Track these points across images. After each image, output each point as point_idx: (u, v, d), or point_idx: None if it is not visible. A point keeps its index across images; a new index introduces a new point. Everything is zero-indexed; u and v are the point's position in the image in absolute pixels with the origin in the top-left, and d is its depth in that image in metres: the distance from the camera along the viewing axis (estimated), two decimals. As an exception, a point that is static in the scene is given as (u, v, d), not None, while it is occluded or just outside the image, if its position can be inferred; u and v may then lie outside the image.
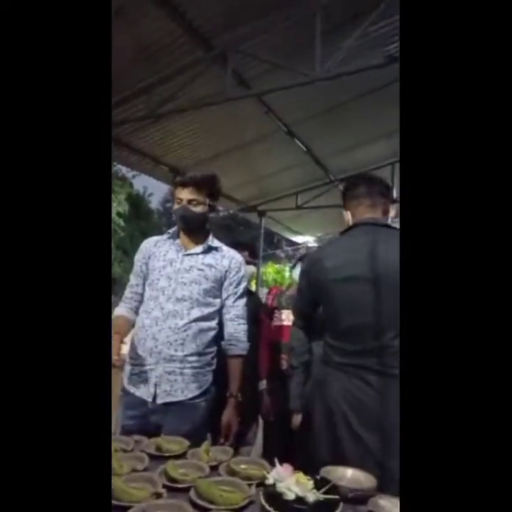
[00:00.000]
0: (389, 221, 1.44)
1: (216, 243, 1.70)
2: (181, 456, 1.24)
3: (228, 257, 1.68)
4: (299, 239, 10.26)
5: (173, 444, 1.29)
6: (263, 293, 5.91)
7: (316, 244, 10.45)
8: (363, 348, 1.35)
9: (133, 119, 3.89)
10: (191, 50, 3.34)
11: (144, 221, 13.83)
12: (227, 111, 4.09)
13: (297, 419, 1.87)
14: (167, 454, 1.22)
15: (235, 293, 1.69)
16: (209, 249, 1.67)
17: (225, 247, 1.72)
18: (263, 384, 2.34)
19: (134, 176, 13.10)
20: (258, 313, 2.35)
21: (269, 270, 14.39)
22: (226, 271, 1.66)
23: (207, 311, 1.61)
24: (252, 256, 2.18)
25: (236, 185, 6.20)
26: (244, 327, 1.73)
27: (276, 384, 2.30)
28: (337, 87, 3.97)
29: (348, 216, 1.49)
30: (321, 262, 1.47)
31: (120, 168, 11.67)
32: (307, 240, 10.37)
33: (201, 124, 4.44)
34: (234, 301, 1.69)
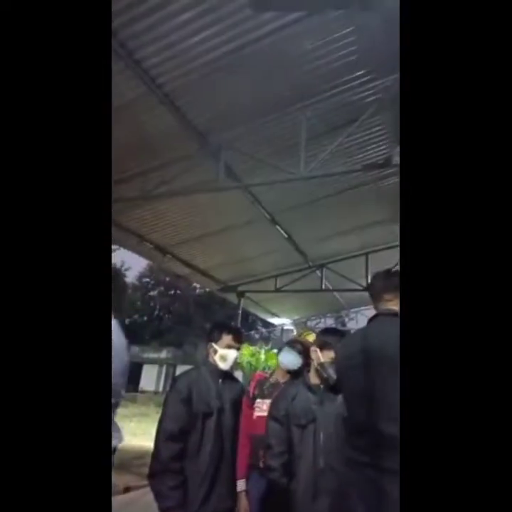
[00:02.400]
0: None
1: None
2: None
3: None
4: (275, 320, 10.26)
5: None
6: (238, 377, 5.74)
7: (291, 327, 10.44)
8: (365, 442, 1.35)
9: (126, 199, 4.09)
10: (188, 143, 3.67)
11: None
12: (216, 198, 4.38)
13: None
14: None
15: None
16: None
17: None
18: (241, 485, 2.07)
19: (113, 250, 13.19)
20: (237, 403, 2.17)
21: (244, 352, 14.00)
22: None
23: None
24: (236, 340, 2.12)
25: (217, 265, 6.36)
26: None
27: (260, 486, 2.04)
28: (318, 184, 4.38)
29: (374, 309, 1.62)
30: (341, 350, 1.63)
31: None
32: (283, 322, 10.38)
33: (190, 207, 4.70)
34: None
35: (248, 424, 2.18)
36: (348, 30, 2.82)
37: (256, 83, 3.17)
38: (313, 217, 5.17)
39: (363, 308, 10.35)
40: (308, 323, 11.47)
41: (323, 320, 11.82)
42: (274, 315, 9.56)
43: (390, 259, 6.84)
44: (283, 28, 2.61)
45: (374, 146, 4.05)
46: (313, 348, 1.96)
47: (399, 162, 2.90)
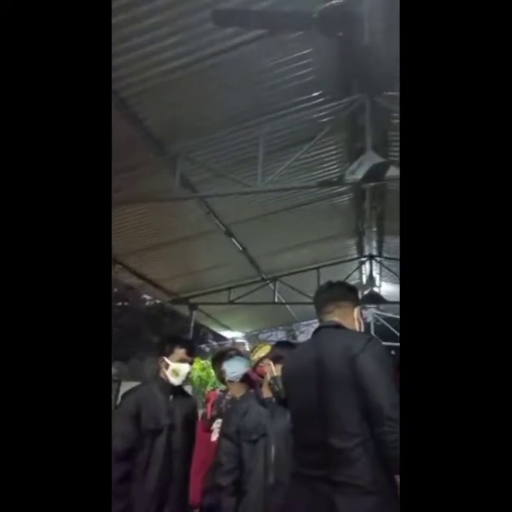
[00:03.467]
0: (355, 321, 1.58)
1: None
2: None
3: None
4: (227, 334, 10.17)
5: None
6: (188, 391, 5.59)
7: (244, 340, 10.39)
8: (314, 456, 1.34)
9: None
10: (144, 151, 3.59)
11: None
12: (170, 208, 4.30)
13: None
14: None
15: None
16: None
17: None
18: None
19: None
20: (194, 421, 2.13)
21: (195, 366, 13.71)
22: None
23: None
24: (189, 354, 2.07)
25: (169, 277, 6.21)
26: None
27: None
28: (273, 198, 4.45)
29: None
30: (285, 364, 1.67)
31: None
32: (236, 335, 10.31)
33: (142, 217, 4.57)
34: None
35: (204, 448, 2.11)
36: (306, 51, 2.91)
37: (216, 95, 3.18)
38: (267, 230, 5.22)
39: (314, 321, 10.54)
40: (260, 336, 11.49)
41: (274, 333, 11.90)
42: (226, 328, 9.47)
43: (341, 273, 7.07)
44: (245, 44, 2.65)
45: (328, 164, 4.18)
46: (266, 361, 1.96)
47: (356, 180, 3.01)
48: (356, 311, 1.60)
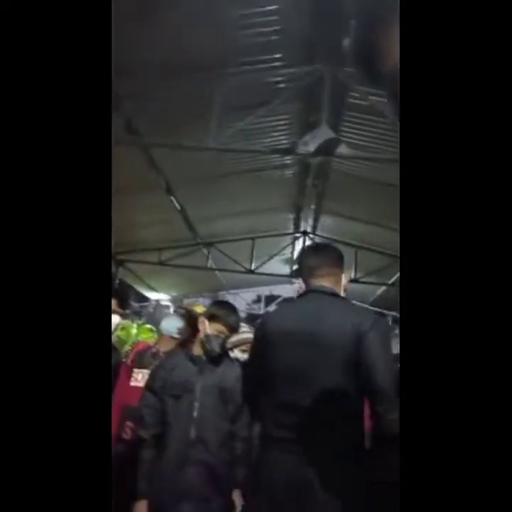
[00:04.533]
0: (342, 290, 1.52)
1: None
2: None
3: None
4: (152, 295, 9.94)
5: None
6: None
7: (168, 303, 10.25)
8: (299, 420, 1.32)
9: None
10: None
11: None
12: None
13: (140, 507, 1.66)
14: None
15: None
16: None
17: None
18: None
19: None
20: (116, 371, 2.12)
21: (113, 325, 13.27)
22: None
23: None
24: (121, 306, 2.00)
25: (98, 229, 5.84)
26: None
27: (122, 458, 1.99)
28: (219, 161, 4.31)
29: (302, 283, 1.57)
30: (267, 323, 1.54)
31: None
32: (161, 297, 10.12)
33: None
34: None
35: (121, 393, 2.08)
36: (275, 7, 2.79)
37: (174, 37, 2.92)
38: (209, 193, 5.08)
39: (242, 290, 10.71)
40: (185, 301, 11.42)
41: (200, 299, 11.89)
42: (152, 289, 9.25)
43: (275, 247, 7.20)
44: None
45: (279, 133, 4.14)
46: (201, 319, 1.93)
47: (308, 151, 3.01)
48: (345, 279, 1.55)
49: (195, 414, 1.79)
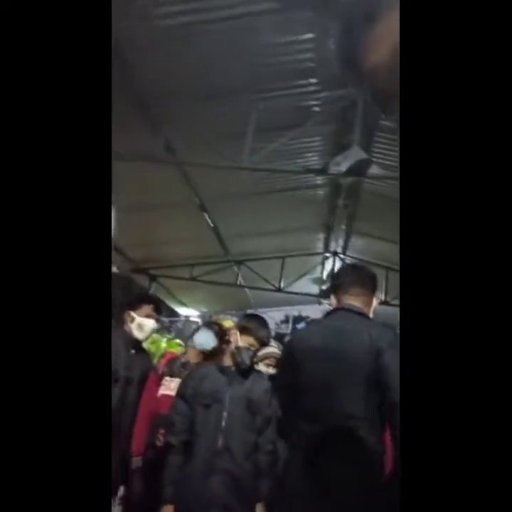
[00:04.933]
0: (371, 311, 1.58)
1: None
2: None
3: None
4: (182, 311, 10.10)
5: None
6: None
7: (198, 320, 10.36)
8: (323, 430, 1.39)
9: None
10: (128, 106, 3.46)
11: None
12: (147, 171, 4.17)
13: None
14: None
15: None
16: None
17: None
18: (137, 462, 2.05)
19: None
20: (146, 376, 2.17)
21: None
22: None
23: None
24: (156, 310, 2.08)
25: (133, 243, 6.05)
26: None
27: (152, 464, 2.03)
28: (253, 179, 4.44)
29: (333, 300, 1.63)
30: (296, 339, 1.71)
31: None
32: (190, 313, 10.25)
33: (116, 177, 4.41)
34: None
35: (151, 400, 2.13)
36: (310, 36, 2.91)
37: (211, 62, 3.10)
38: (241, 211, 5.21)
39: (270, 309, 10.69)
40: (214, 317, 11.45)
41: (228, 316, 11.95)
42: (182, 304, 9.40)
43: (304, 266, 7.21)
44: (253, 15, 2.60)
45: (312, 154, 4.23)
46: (233, 331, 1.98)
47: (340, 171, 3.07)
48: (375, 301, 1.60)
49: (223, 423, 1.82)
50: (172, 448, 1.83)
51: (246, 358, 1.91)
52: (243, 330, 1.96)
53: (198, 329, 2.41)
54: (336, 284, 1.65)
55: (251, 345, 1.92)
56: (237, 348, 1.92)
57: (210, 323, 2.40)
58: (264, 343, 2.01)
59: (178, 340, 5.86)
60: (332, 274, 1.84)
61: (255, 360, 2.18)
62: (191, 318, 10.68)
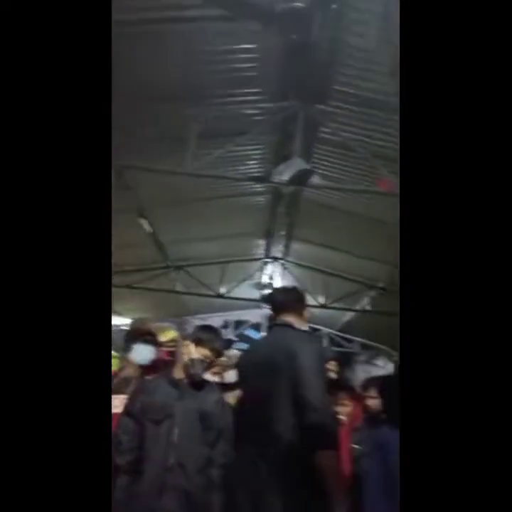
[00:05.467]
0: (304, 323, 1.82)
1: None
2: None
3: None
4: (115, 320, 9.64)
5: None
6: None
7: (128, 328, 9.94)
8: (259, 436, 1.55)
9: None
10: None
11: None
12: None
13: None
14: None
15: None
16: None
17: None
18: None
19: None
20: None
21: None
22: None
23: None
24: None
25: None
26: None
27: None
28: (195, 185, 4.38)
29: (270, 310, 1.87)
30: (244, 356, 1.97)
31: None
32: (123, 322, 9.82)
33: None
34: None
35: None
36: (256, 45, 2.95)
37: (156, 64, 3.01)
38: (182, 217, 5.11)
39: (208, 315, 10.55)
40: (154, 326, 11.07)
41: (167, 324, 11.63)
42: (116, 313, 8.97)
43: (245, 271, 7.25)
44: (201, 20, 2.58)
45: (254, 162, 4.28)
46: (186, 342, 1.93)
47: (282, 180, 3.14)
48: (306, 314, 1.84)
49: (174, 439, 1.77)
50: (119, 468, 1.74)
51: (200, 370, 1.87)
52: (198, 341, 1.91)
53: (132, 341, 2.32)
54: (273, 303, 1.88)
55: (205, 356, 1.89)
56: (191, 360, 1.87)
57: (144, 335, 2.33)
58: (219, 354, 1.99)
59: (113, 353, 5.59)
60: (268, 296, 2.18)
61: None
62: (122, 327, 10.23)
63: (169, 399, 1.83)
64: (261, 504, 1.45)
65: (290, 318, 1.77)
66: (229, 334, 9.59)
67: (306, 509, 1.39)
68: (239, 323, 11.53)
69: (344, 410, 2.44)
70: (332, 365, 2.74)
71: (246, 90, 3.45)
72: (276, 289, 2.01)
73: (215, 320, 12.50)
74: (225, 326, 13.34)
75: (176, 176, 3.38)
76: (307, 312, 1.86)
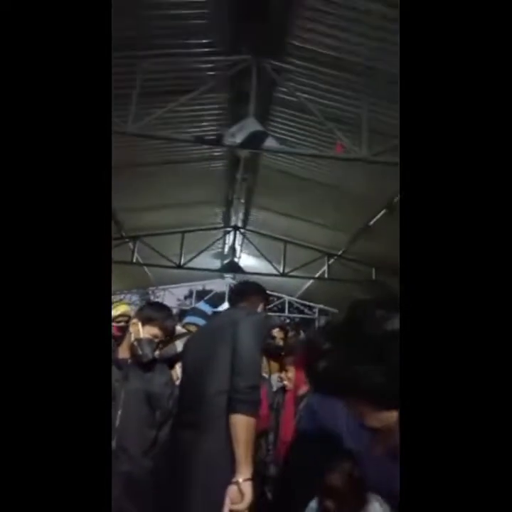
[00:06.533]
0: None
1: None
2: None
3: None
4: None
5: None
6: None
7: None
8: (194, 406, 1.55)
9: None
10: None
11: None
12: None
13: None
14: None
15: None
16: None
17: None
18: None
19: None
20: None
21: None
22: None
23: None
24: None
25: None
26: None
27: None
28: (144, 148, 4.07)
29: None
30: (194, 336, 1.96)
31: None
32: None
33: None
34: None
35: None
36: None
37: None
38: (134, 184, 4.78)
39: (170, 285, 10.39)
40: (112, 299, 10.81)
41: (128, 296, 11.37)
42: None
43: (205, 240, 7.05)
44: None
45: (206, 122, 4.00)
46: (134, 321, 1.76)
47: (235, 143, 2.92)
48: (262, 305, 1.88)
49: (117, 423, 1.65)
50: None
51: (148, 351, 1.72)
52: (146, 320, 1.75)
53: None
54: (232, 293, 2.02)
55: (155, 336, 1.74)
56: (138, 339, 1.71)
57: None
58: (170, 333, 1.83)
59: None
60: (231, 288, 2.31)
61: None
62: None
63: (112, 381, 1.68)
64: (181, 470, 1.45)
65: (244, 305, 1.81)
66: (192, 305, 9.48)
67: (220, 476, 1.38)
68: (203, 293, 11.43)
69: (287, 376, 2.37)
70: (277, 333, 2.67)
71: (194, 41, 3.14)
72: (238, 282, 2.08)
73: (180, 290, 12.42)
74: (190, 295, 13.28)
75: (119, 136, 3.06)
76: (263, 306, 1.91)
